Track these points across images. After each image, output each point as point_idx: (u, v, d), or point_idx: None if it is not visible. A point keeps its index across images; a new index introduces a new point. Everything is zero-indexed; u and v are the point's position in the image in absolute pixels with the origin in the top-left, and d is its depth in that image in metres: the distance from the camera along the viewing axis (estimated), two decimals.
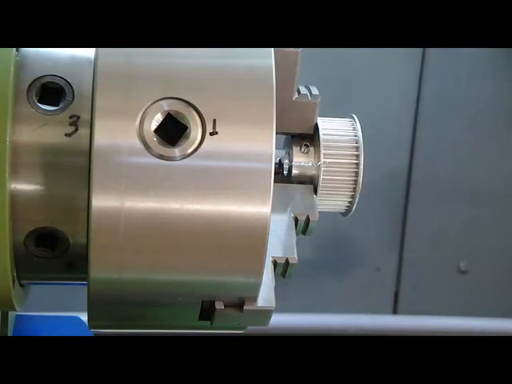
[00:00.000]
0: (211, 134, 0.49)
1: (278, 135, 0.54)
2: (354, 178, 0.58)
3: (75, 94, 0.51)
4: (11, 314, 0.70)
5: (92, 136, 0.48)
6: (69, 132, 0.50)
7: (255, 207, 0.49)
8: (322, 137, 0.58)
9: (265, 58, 0.51)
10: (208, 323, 0.53)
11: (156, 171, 0.48)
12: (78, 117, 0.50)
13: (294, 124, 0.58)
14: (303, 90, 0.58)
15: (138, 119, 0.48)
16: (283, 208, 0.57)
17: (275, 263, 0.55)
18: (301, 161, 0.58)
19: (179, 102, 0.49)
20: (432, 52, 1.94)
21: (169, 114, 0.49)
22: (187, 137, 0.49)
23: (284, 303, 0.73)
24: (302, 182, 0.58)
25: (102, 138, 0.48)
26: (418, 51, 1.94)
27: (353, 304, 2.03)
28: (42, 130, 0.50)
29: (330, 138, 0.58)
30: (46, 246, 0.52)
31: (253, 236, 0.49)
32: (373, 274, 2.06)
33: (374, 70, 1.94)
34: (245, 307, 0.52)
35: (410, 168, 2.01)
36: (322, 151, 0.58)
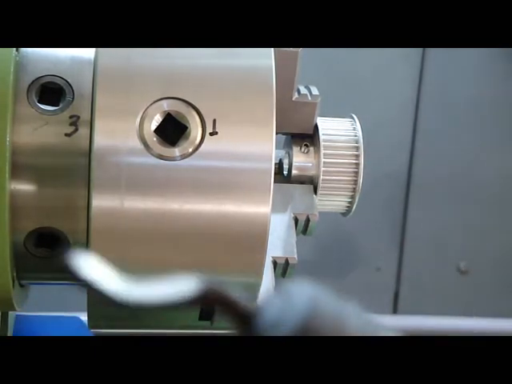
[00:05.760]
0: (211, 134, 0.49)
1: (278, 135, 0.54)
2: (353, 178, 0.58)
3: (75, 94, 0.51)
4: (11, 314, 0.69)
5: (92, 136, 0.48)
6: (69, 132, 0.50)
7: (255, 207, 0.49)
8: (321, 137, 0.58)
9: (265, 58, 0.51)
10: (208, 323, 0.53)
11: (156, 171, 0.48)
12: (78, 117, 0.50)
13: (294, 124, 0.58)
14: (303, 90, 0.58)
15: (138, 119, 0.48)
16: (283, 208, 0.57)
17: (275, 263, 0.55)
18: (301, 161, 0.58)
19: (179, 101, 0.49)
20: (432, 52, 1.94)
21: (169, 114, 0.49)
22: (187, 137, 0.49)
23: None
24: (302, 182, 0.58)
25: (101, 138, 0.48)
26: (417, 51, 1.94)
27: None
28: (41, 130, 0.50)
29: (329, 137, 0.58)
30: (46, 246, 0.52)
31: (253, 236, 0.49)
32: (373, 274, 2.06)
33: (373, 70, 1.94)
34: None
35: (410, 168, 2.01)
36: (322, 151, 0.58)
